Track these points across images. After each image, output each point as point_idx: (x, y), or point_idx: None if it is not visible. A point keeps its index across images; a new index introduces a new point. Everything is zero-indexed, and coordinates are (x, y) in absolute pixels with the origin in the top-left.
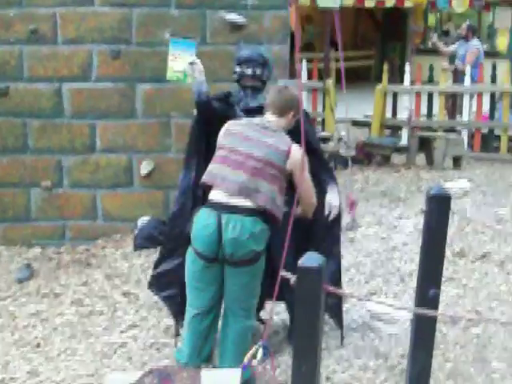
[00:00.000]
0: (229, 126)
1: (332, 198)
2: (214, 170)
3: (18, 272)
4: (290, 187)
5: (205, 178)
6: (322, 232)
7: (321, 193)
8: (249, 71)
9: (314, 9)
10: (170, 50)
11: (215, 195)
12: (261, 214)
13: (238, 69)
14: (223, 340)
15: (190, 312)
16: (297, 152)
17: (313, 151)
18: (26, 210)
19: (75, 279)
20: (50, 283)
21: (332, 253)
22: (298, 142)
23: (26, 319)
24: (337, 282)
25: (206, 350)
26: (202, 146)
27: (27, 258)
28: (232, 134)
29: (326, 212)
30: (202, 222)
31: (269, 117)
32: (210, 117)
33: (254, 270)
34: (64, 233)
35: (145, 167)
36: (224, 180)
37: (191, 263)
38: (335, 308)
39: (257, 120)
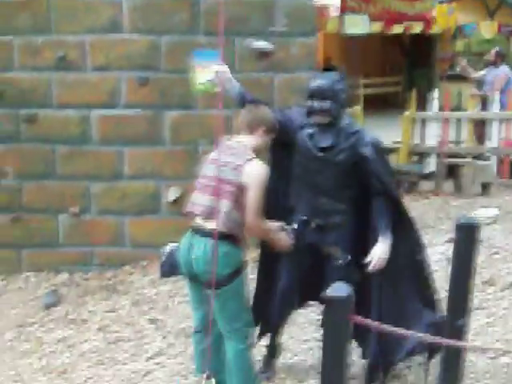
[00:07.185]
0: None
1: (378, 249)
2: (192, 197)
3: (46, 298)
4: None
5: (187, 207)
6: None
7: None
8: (315, 105)
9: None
10: (195, 61)
11: (195, 219)
12: (227, 236)
13: (308, 103)
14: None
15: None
16: (254, 167)
17: (379, 193)
18: (53, 236)
19: (102, 305)
20: (77, 309)
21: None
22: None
23: (53, 345)
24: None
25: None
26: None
27: (54, 283)
28: (206, 161)
29: (367, 260)
30: (182, 242)
31: (239, 137)
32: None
33: (226, 294)
34: (91, 259)
35: (172, 194)
36: (194, 204)
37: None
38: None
39: (230, 142)
